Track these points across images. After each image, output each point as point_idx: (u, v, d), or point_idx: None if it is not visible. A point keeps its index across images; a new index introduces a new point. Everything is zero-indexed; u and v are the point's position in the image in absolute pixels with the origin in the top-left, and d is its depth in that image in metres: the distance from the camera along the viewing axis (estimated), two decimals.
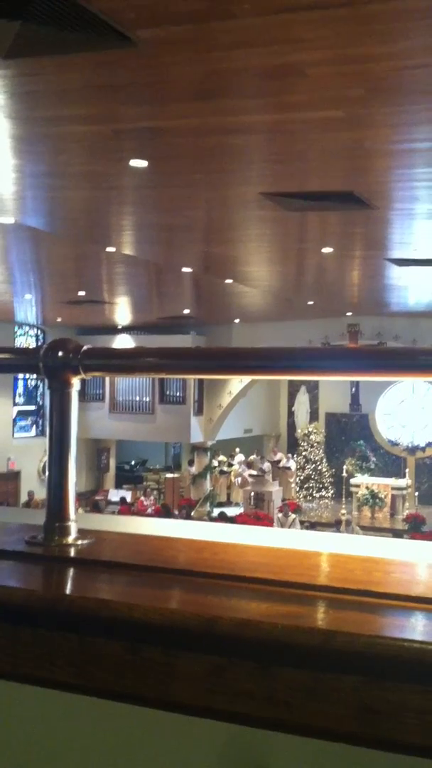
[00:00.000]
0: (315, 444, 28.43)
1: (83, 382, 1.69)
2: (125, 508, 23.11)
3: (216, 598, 1.30)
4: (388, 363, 1.50)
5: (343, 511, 22.75)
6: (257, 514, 22.50)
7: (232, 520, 20.87)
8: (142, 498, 24.72)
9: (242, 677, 1.17)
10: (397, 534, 21.55)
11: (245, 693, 1.17)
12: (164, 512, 22.81)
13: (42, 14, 4.35)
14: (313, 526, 21.78)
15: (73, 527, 1.62)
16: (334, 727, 1.12)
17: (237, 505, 25.98)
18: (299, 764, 1.19)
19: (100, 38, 4.64)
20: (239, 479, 26.38)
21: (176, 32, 4.59)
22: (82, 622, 1.29)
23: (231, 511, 23.93)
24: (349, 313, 22.59)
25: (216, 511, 24.42)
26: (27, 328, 26.17)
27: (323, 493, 27.34)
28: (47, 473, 1.67)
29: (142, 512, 23.26)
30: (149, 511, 23.63)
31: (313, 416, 29.58)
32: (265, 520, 21.54)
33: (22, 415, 26.28)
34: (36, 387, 26.49)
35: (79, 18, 4.40)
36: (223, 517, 21.48)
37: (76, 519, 1.64)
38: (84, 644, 1.29)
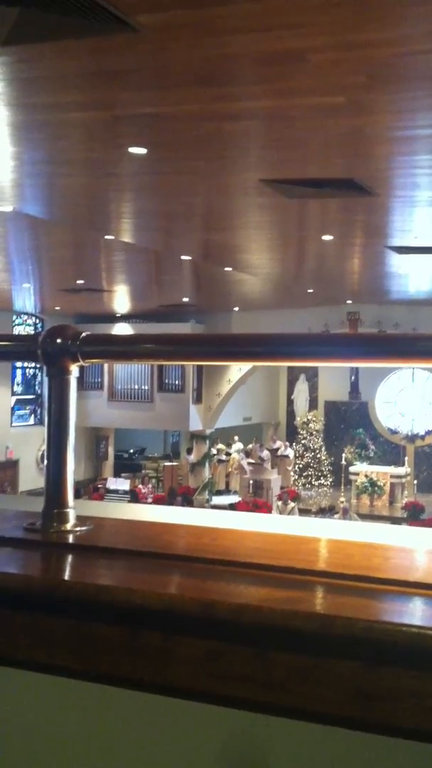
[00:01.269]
0: (314, 432, 28.45)
1: (82, 369, 1.68)
2: (98, 496, 23.17)
3: (214, 583, 1.30)
4: (387, 349, 1.50)
5: (342, 499, 22.79)
6: (256, 502, 22.55)
7: (233, 507, 20.96)
8: (140, 486, 24.78)
9: (240, 662, 1.18)
10: (395, 522, 21.59)
11: (243, 677, 1.17)
12: (132, 499, 22.99)
13: (40, 0, 4.33)
14: (322, 512, 21.71)
15: (71, 514, 1.62)
16: (331, 711, 1.13)
17: (235, 493, 26.04)
18: (297, 748, 1.19)
19: (100, 24, 4.61)
20: (237, 464, 26.46)
21: (176, 17, 4.56)
22: (81, 608, 1.29)
23: (229, 499, 23.99)
24: (349, 301, 22.59)
25: (214, 499, 24.50)
26: (25, 317, 26.15)
27: (322, 481, 27.37)
28: (46, 460, 1.67)
29: (140, 500, 23.36)
30: (148, 499, 23.74)
31: (313, 404, 29.59)
32: (263, 508, 21.59)
33: (20, 403, 26.29)
34: (34, 376, 26.50)
35: (79, 3, 4.38)
36: (185, 501, 21.59)
37: (74, 506, 1.64)
38: (82, 629, 1.30)
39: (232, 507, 21.30)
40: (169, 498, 23.49)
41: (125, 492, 24.74)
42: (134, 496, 23.62)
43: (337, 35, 4.75)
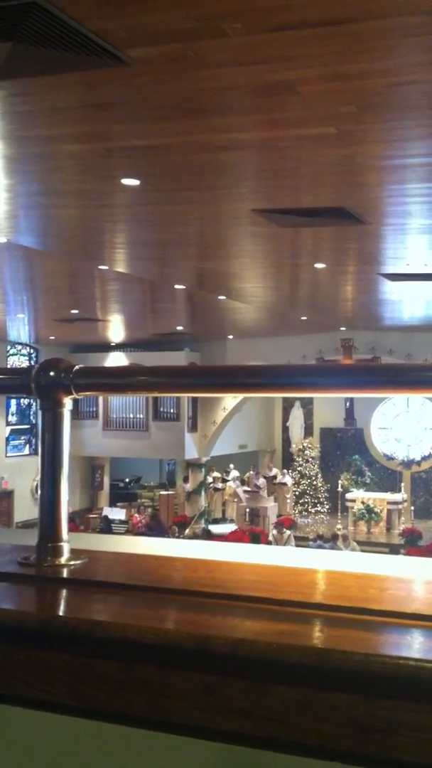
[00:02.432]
0: (310, 459, 28.40)
1: (76, 401, 1.68)
2: (73, 526, 23.06)
3: (210, 617, 1.29)
4: (381, 379, 1.51)
5: (339, 526, 22.69)
6: (252, 530, 22.43)
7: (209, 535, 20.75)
8: (136, 515, 24.67)
9: (237, 696, 1.17)
10: (393, 548, 21.50)
11: (240, 712, 1.16)
12: (106, 526, 22.89)
13: (33, 34, 4.38)
14: (321, 539, 21.48)
15: (65, 547, 1.62)
16: (329, 745, 1.12)
17: (232, 521, 25.93)
18: None
19: (92, 58, 4.66)
20: (233, 492, 26.37)
21: (168, 51, 4.61)
22: (76, 643, 1.28)
23: (226, 528, 23.87)
24: (343, 328, 22.63)
25: (211, 528, 24.35)
26: (20, 347, 26.16)
27: (319, 508, 27.29)
28: (39, 493, 1.66)
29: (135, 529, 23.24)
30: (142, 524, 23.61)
31: (308, 431, 29.57)
32: (261, 537, 21.47)
33: (15, 433, 26.21)
34: (29, 406, 26.45)
35: (71, 38, 4.42)
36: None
37: (68, 539, 1.63)
38: (78, 665, 1.29)
39: (209, 534, 21.14)
40: (154, 524, 23.25)
41: (121, 521, 24.61)
42: (107, 524, 23.52)
43: (327, 66, 4.81)
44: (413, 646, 1.16)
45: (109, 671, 1.26)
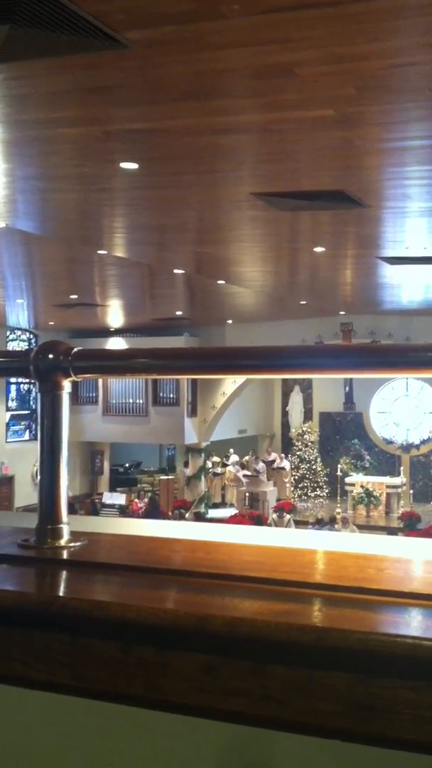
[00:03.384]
0: (309, 443, 28.43)
1: (75, 384, 1.68)
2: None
3: (209, 597, 1.30)
4: (380, 360, 1.51)
5: (338, 510, 22.76)
6: (251, 514, 22.49)
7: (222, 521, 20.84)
8: (136, 500, 24.73)
9: (236, 676, 1.17)
10: (392, 532, 21.56)
11: (239, 691, 1.17)
12: (93, 510, 22.94)
13: (31, 17, 4.35)
14: (320, 523, 21.51)
15: (65, 529, 1.62)
16: (328, 724, 1.12)
17: (232, 506, 25.99)
18: (294, 761, 1.19)
19: (90, 40, 4.64)
20: (233, 476, 26.44)
21: (166, 33, 4.59)
22: (76, 624, 1.29)
23: (226, 512, 23.91)
24: (342, 312, 22.63)
25: (210, 512, 24.42)
26: (19, 333, 26.14)
27: (318, 492, 27.34)
28: (39, 476, 1.66)
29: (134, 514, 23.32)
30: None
31: (307, 416, 29.59)
32: (262, 521, 21.53)
33: (15, 419, 26.24)
34: (29, 391, 26.46)
35: (69, 20, 4.40)
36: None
37: (68, 521, 1.63)
38: (78, 645, 1.29)
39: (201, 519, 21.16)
40: (151, 508, 23.29)
41: (121, 506, 24.66)
42: (94, 509, 23.59)
43: (326, 48, 4.78)
44: (411, 624, 1.17)
45: (108, 651, 1.26)
